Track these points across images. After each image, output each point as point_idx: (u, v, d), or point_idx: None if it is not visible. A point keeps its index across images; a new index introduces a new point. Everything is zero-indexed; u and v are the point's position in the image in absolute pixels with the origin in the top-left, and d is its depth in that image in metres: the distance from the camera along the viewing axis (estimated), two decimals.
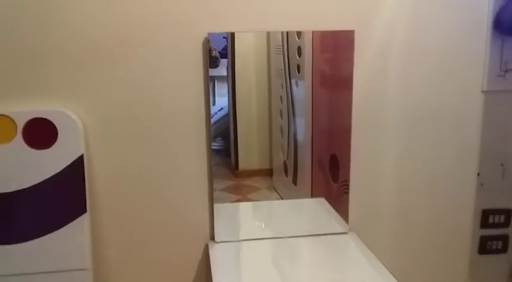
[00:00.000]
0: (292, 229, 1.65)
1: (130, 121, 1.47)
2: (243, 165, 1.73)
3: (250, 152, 1.81)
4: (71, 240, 1.41)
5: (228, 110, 1.61)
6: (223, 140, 1.64)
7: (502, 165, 1.68)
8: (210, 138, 1.53)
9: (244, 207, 1.74)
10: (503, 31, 1.59)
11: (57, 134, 1.38)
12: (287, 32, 1.55)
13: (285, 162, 1.86)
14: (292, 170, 1.86)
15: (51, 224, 1.40)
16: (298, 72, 1.74)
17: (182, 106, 1.49)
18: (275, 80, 1.80)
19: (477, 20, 1.58)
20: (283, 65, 1.75)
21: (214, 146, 1.57)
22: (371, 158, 1.64)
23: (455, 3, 1.55)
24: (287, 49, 1.63)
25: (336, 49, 1.60)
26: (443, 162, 1.66)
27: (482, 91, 1.63)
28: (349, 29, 1.53)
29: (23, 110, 1.37)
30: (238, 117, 1.64)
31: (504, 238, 1.75)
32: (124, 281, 1.56)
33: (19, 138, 1.37)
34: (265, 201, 1.78)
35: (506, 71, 1.63)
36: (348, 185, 1.64)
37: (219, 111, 1.60)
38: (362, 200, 1.65)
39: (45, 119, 1.38)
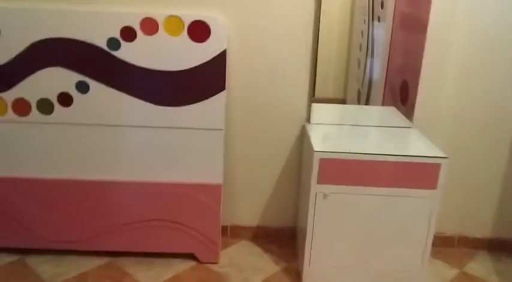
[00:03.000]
0: (366, 120, 2.20)
1: (260, 30, 2.05)
2: (319, 93, 2.22)
3: (327, 82, 2.31)
4: (214, 108, 2.05)
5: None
6: None
7: None
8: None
9: (330, 106, 2.30)
10: None
11: (210, 33, 1.99)
12: None
13: (358, 91, 2.35)
14: (365, 98, 2.36)
15: (202, 95, 2.04)
16: (382, 8, 2.19)
17: (295, 25, 2.03)
18: (358, 15, 2.26)
19: None
20: (366, 2, 2.20)
21: None
22: (436, 77, 2.11)
23: None
24: None
25: None
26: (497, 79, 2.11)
27: None
28: None
29: (189, 13, 1.98)
30: (318, 50, 2.12)
31: None
32: (243, 141, 2.22)
33: (185, 33, 1.99)
34: (343, 105, 2.32)
35: None
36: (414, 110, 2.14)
37: None
38: (426, 105, 2.15)
39: (203, 22, 1.98)
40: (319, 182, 1.85)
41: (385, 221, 1.90)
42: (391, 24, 2.23)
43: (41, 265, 2.10)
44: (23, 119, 2.05)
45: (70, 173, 2.10)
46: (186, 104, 2.05)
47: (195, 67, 2.02)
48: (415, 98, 2.15)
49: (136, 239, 2.16)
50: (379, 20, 2.24)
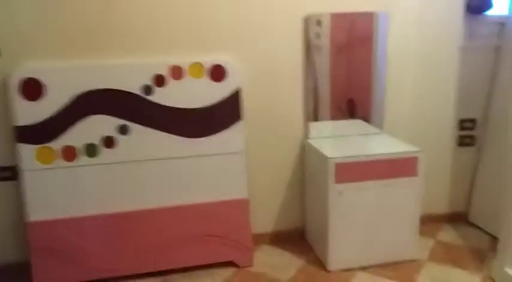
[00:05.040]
0: (347, 131, 2.76)
1: (265, 70, 2.54)
2: None
3: None
4: (234, 135, 2.47)
5: None
6: None
7: None
8: (305, 82, 2.61)
9: (312, 124, 2.80)
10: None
11: (227, 74, 2.43)
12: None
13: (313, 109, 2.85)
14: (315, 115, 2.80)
15: (224, 125, 2.45)
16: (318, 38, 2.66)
17: (291, 66, 2.56)
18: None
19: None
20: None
21: None
22: (397, 93, 2.75)
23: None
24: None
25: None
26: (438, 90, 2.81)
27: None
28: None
29: (208, 60, 2.40)
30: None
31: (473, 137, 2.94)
32: (256, 159, 2.65)
33: (206, 76, 2.41)
34: (322, 121, 2.83)
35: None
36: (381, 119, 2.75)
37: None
38: (390, 114, 2.77)
39: (221, 65, 2.41)
40: (336, 182, 2.35)
41: (384, 205, 2.44)
42: (329, 53, 2.80)
43: None
44: (71, 163, 2.30)
45: (118, 206, 2.37)
46: (211, 134, 2.45)
47: (217, 103, 2.43)
48: (364, 112, 2.75)
49: (182, 256, 2.47)
50: (317, 50, 2.77)
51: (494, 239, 2.74)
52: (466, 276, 2.43)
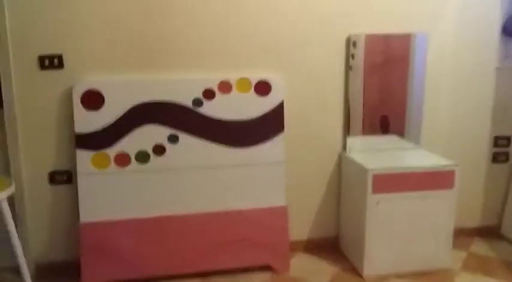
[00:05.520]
0: (384, 145, 2.86)
1: (307, 87, 2.69)
2: None
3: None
4: (276, 145, 2.61)
5: None
6: None
7: None
8: (345, 100, 2.74)
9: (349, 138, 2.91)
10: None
11: (271, 88, 2.57)
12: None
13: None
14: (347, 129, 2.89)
15: (267, 136, 2.59)
16: (353, 59, 2.74)
17: (331, 83, 2.69)
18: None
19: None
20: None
21: None
22: (433, 108, 2.85)
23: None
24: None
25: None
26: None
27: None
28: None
29: (254, 76, 2.55)
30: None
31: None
32: (295, 168, 2.77)
33: (252, 90, 2.56)
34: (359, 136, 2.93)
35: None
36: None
37: None
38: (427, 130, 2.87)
39: (266, 81, 2.56)
40: (373, 192, 2.46)
41: (420, 216, 2.54)
42: (363, 72, 2.91)
43: None
44: (124, 169, 2.47)
45: (164, 210, 2.52)
46: (255, 145, 2.59)
47: (261, 115, 2.58)
48: (398, 128, 2.86)
49: (222, 259, 2.60)
50: (351, 69, 2.88)
51: None
52: None
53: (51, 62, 2.38)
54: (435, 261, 2.64)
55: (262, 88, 2.57)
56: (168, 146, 2.50)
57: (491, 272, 2.64)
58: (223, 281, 2.57)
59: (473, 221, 3.09)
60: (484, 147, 2.98)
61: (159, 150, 2.49)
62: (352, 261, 2.73)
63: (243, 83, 2.55)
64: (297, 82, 2.69)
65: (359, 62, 2.74)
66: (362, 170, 2.50)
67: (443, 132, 2.92)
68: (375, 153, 2.78)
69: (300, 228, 2.90)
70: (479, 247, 2.95)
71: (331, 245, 2.94)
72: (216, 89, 2.52)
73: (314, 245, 2.92)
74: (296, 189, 2.82)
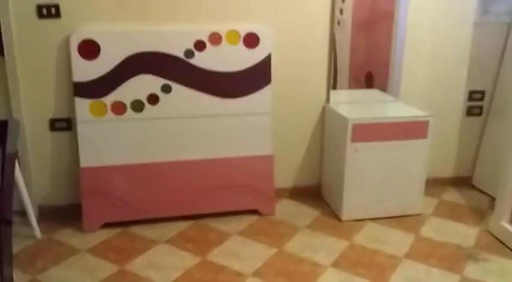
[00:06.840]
0: (365, 98, 3.03)
1: (294, 40, 2.81)
2: None
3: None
4: (263, 97, 2.76)
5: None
6: None
7: None
8: (329, 54, 2.88)
9: (333, 92, 3.08)
10: None
11: (259, 41, 2.70)
12: None
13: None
14: (333, 83, 3.07)
15: (255, 88, 2.74)
16: (341, 14, 2.92)
17: (317, 38, 2.82)
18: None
19: None
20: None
21: None
22: (412, 66, 3.00)
23: None
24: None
25: None
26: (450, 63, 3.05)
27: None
28: None
29: (243, 28, 2.68)
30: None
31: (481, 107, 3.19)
32: (279, 119, 2.94)
33: (241, 42, 2.69)
34: (343, 90, 3.10)
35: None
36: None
37: None
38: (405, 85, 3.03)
39: (255, 33, 2.69)
40: (352, 141, 2.64)
41: (395, 164, 2.74)
42: (350, 28, 3.06)
43: (144, 231, 2.66)
44: (120, 117, 2.62)
45: (158, 156, 2.69)
46: (243, 95, 2.74)
47: (249, 67, 2.72)
48: (381, 83, 3.02)
49: (212, 202, 2.80)
50: (338, 24, 3.02)
51: (494, 200, 3.02)
52: (466, 229, 2.74)
53: (48, 11, 2.47)
54: (408, 207, 2.86)
55: (251, 40, 2.69)
56: (161, 95, 2.64)
57: (460, 217, 2.88)
58: (214, 222, 2.78)
59: (447, 171, 3.31)
60: (459, 101, 3.17)
61: (153, 99, 2.63)
62: (332, 207, 2.95)
63: (233, 35, 2.67)
64: (284, 35, 2.81)
65: (347, 18, 2.87)
66: (343, 120, 2.68)
67: (421, 85, 3.09)
68: (356, 106, 2.96)
69: (286, 177, 3.10)
70: (451, 195, 3.18)
71: (313, 192, 3.15)
72: (206, 41, 2.64)
73: (298, 192, 3.13)
74: (282, 140, 2.99)
